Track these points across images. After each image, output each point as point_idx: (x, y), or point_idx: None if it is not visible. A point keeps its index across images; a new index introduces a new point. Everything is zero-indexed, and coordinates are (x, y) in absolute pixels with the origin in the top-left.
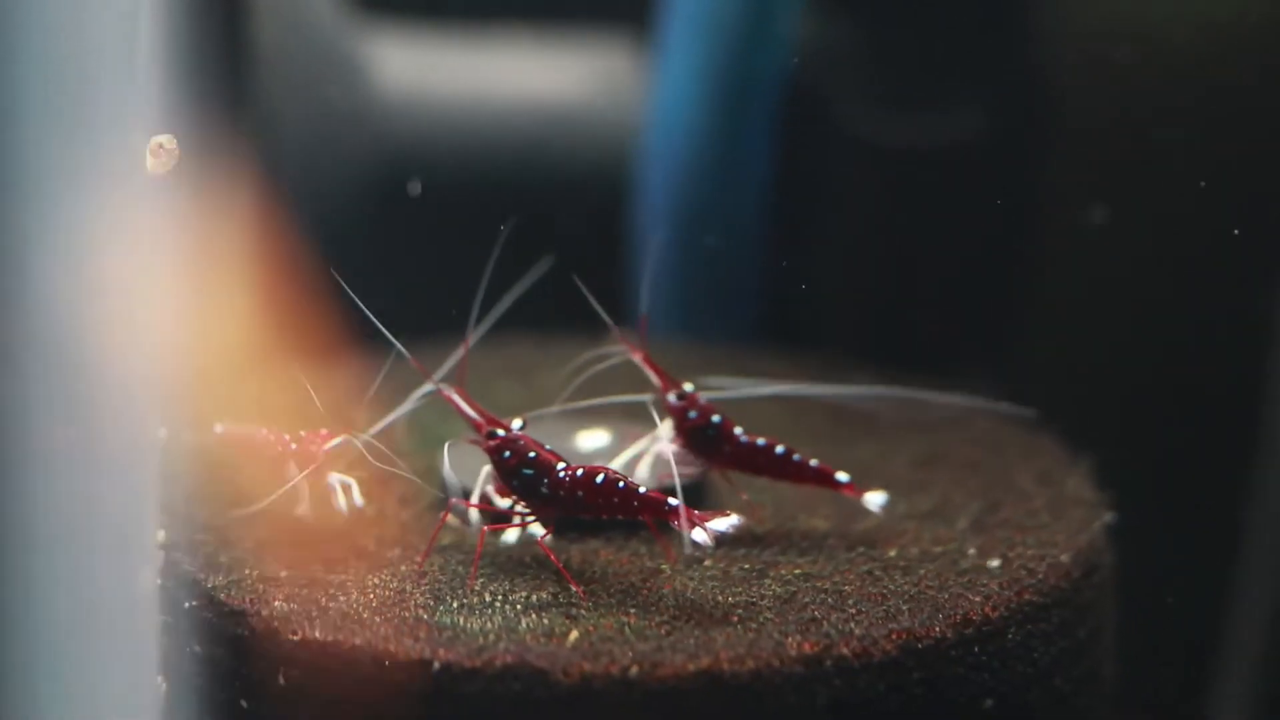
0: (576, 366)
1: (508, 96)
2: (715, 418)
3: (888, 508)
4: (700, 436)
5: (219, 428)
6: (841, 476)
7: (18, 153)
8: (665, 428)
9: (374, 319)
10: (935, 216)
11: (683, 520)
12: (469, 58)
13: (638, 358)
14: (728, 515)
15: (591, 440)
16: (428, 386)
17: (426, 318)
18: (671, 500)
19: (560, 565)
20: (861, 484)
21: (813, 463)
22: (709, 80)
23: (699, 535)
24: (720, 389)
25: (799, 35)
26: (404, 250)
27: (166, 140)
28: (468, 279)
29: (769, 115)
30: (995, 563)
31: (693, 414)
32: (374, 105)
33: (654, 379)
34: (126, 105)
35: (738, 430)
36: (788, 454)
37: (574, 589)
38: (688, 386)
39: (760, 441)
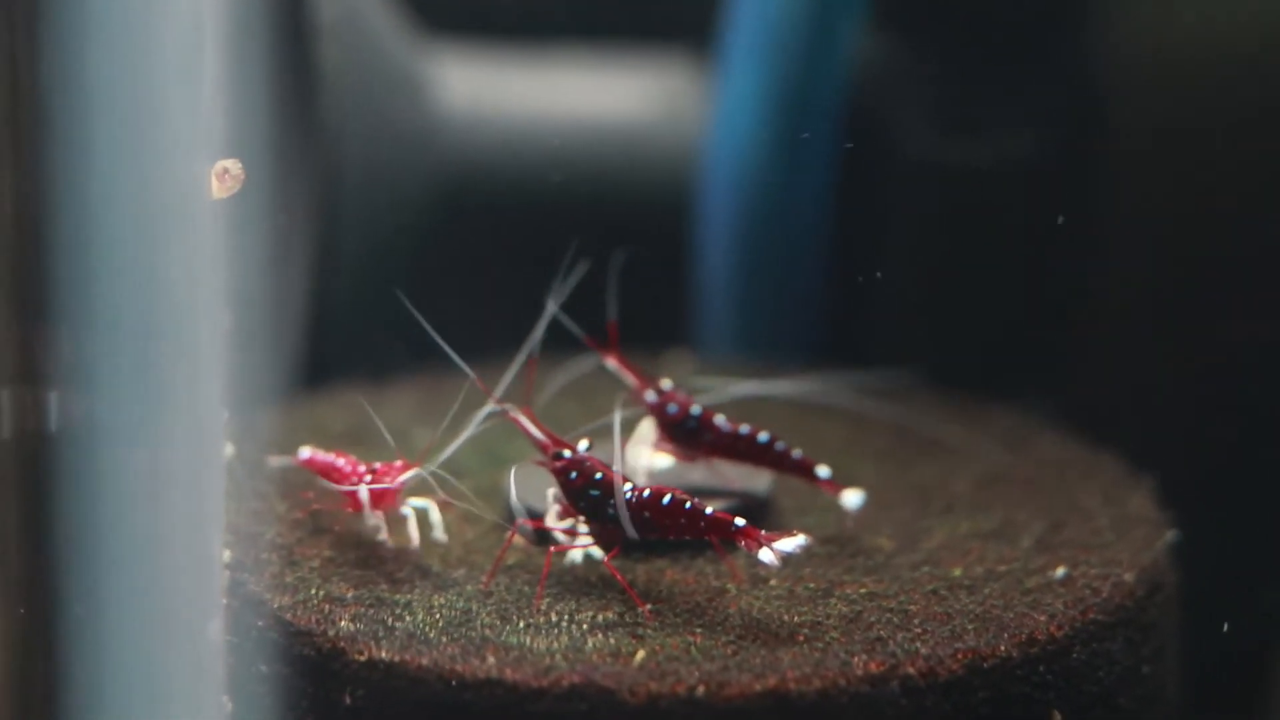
0: (557, 380)
1: (569, 116)
2: (695, 409)
3: (864, 505)
4: (681, 430)
5: (305, 452)
6: (822, 471)
7: (86, 179)
8: (645, 430)
9: (439, 339)
10: (994, 235)
11: (749, 540)
12: (530, 77)
13: (611, 361)
14: (794, 535)
15: (659, 461)
16: (493, 407)
17: (488, 337)
18: (739, 520)
19: (626, 585)
20: (841, 481)
21: (795, 454)
22: (770, 99)
23: (766, 555)
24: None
25: (859, 55)
26: (465, 270)
27: (231, 164)
28: (528, 298)
29: (829, 135)
30: (1060, 571)
31: (672, 408)
32: (436, 125)
33: (629, 380)
34: (191, 130)
35: (719, 419)
36: (770, 442)
37: (640, 609)
38: (665, 383)
39: (743, 429)
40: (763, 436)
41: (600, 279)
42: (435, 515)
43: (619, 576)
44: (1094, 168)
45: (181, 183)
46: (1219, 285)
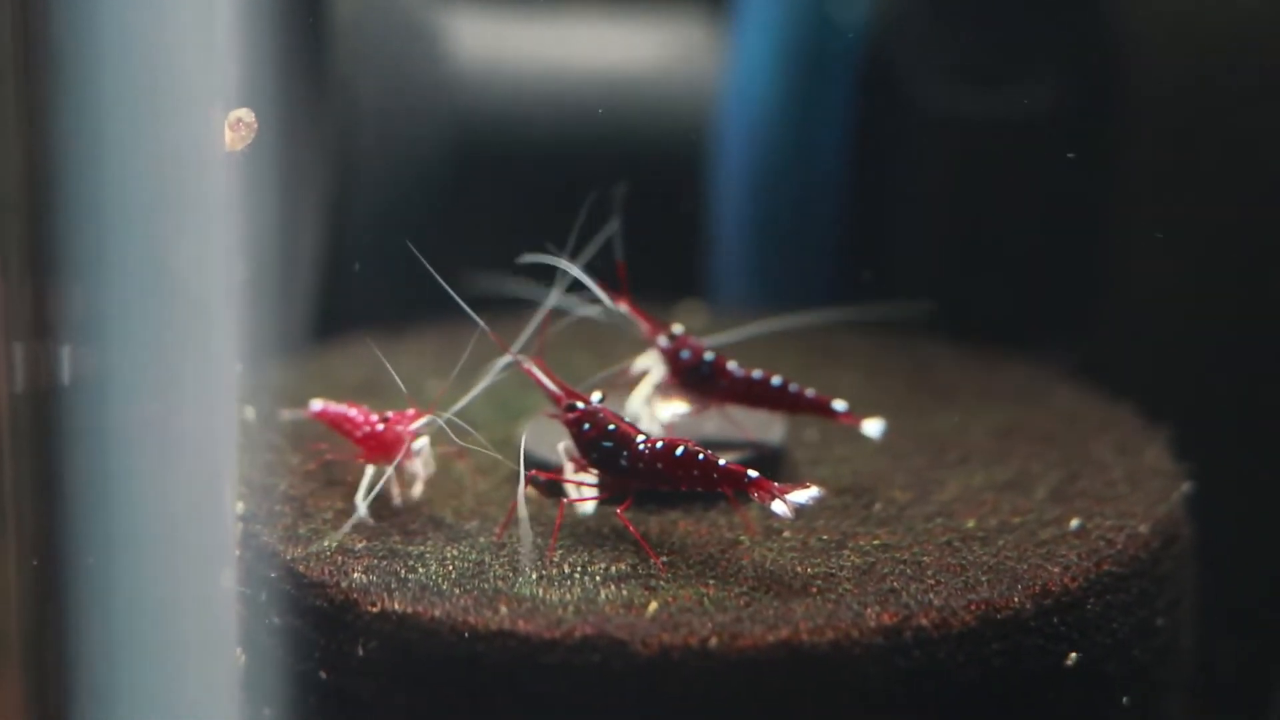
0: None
1: (584, 66)
2: (708, 355)
3: (879, 433)
4: (695, 375)
5: (316, 404)
6: (838, 405)
7: (99, 132)
8: (651, 374)
9: (451, 293)
10: (1011, 186)
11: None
12: (545, 28)
13: (623, 306)
14: (808, 487)
15: (669, 410)
16: (507, 359)
17: (502, 287)
18: (751, 472)
19: (640, 537)
20: (859, 412)
21: (809, 393)
22: (785, 50)
23: (779, 507)
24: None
25: (874, 6)
26: (479, 220)
27: (245, 114)
28: (542, 248)
29: (844, 85)
30: (1075, 522)
31: (685, 354)
32: (450, 76)
33: (642, 325)
34: (204, 81)
35: (731, 365)
36: (784, 385)
37: (654, 561)
38: (676, 328)
39: (756, 374)
40: (776, 380)
41: (614, 230)
42: (427, 450)
43: (632, 529)
44: (1113, 117)
45: (194, 135)
46: (1238, 237)
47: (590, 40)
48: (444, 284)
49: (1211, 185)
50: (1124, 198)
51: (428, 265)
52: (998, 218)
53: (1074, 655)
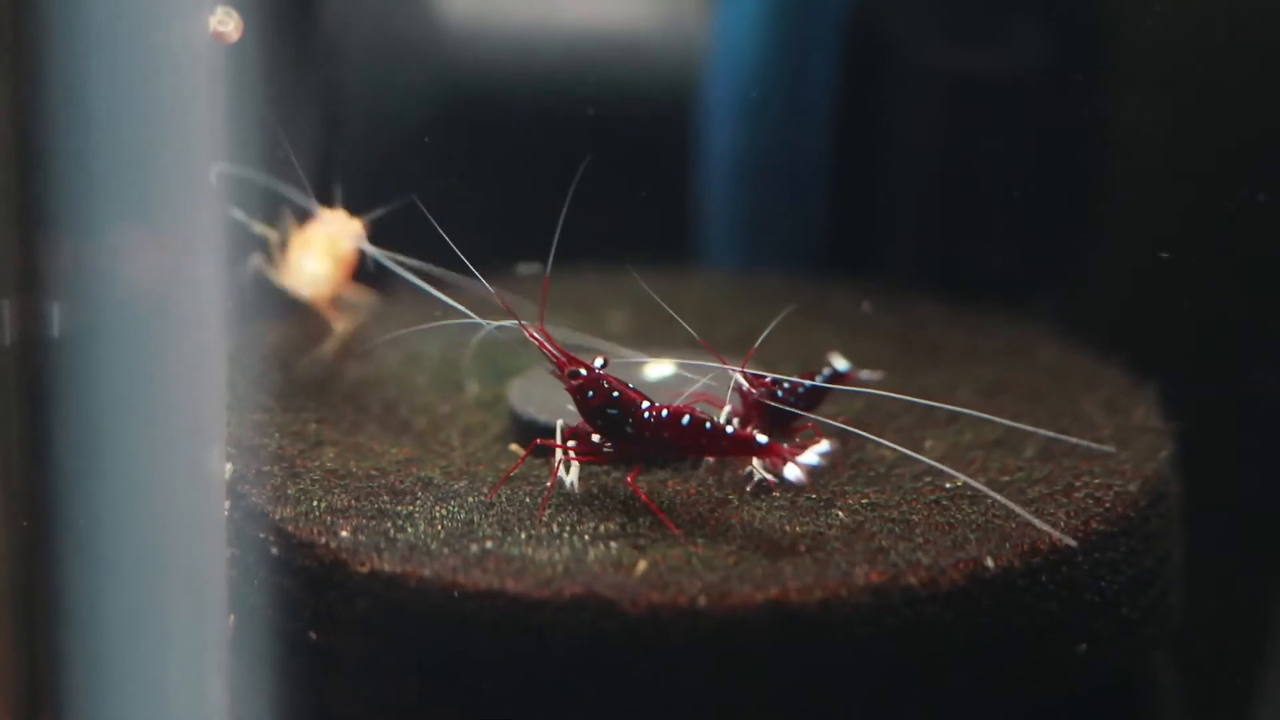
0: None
1: (573, 26)
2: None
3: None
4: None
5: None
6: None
7: (85, 83)
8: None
9: (457, 251)
10: (999, 145)
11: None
12: None
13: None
14: (817, 443)
15: (657, 370)
16: (511, 322)
17: (492, 247)
18: (761, 438)
19: (656, 507)
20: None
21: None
22: (772, 9)
23: (792, 472)
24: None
25: None
26: (469, 180)
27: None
28: (532, 208)
29: (833, 42)
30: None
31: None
32: (439, 34)
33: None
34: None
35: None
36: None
37: (671, 529)
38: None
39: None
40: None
41: (603, 190)
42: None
43: (644, 496)
44: (1100, 74)
45: (182, 88)
46: (1225, 190)
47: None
48: (453, 246)
49: (1199, 141)
50: (1112, 154)
51: (437, 224)
52: (985, 176)
53: (1084, 646)
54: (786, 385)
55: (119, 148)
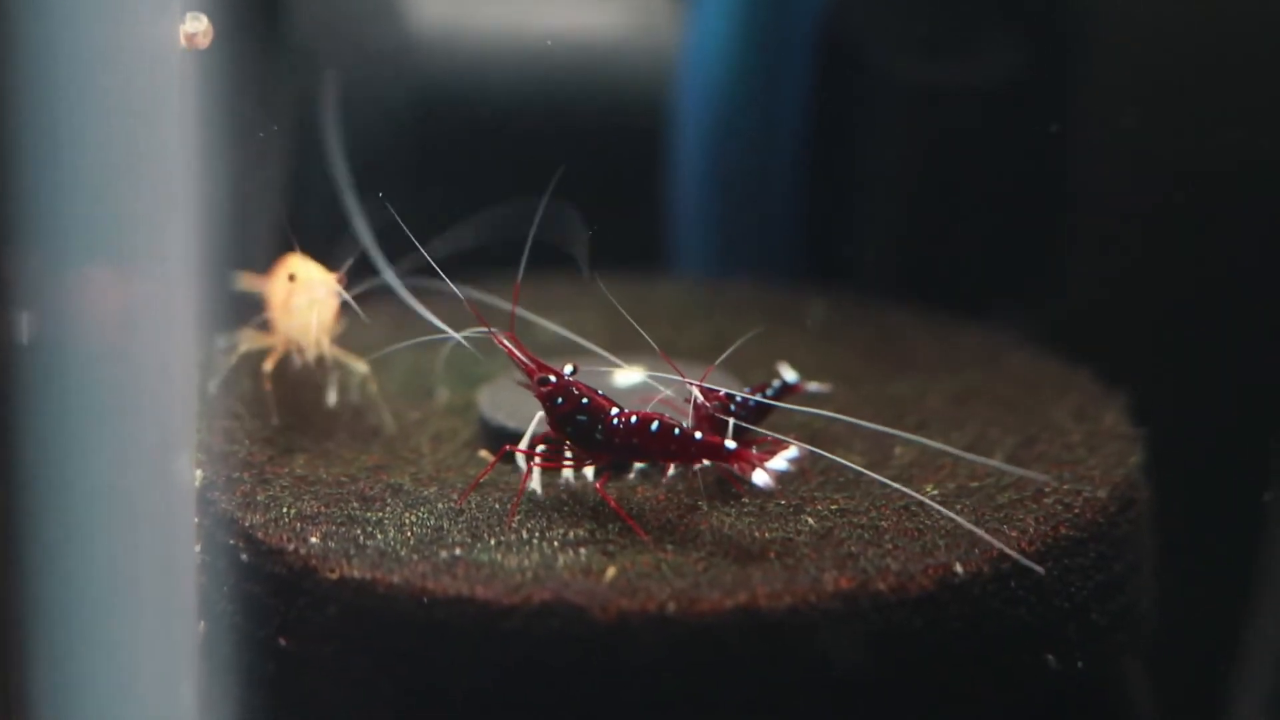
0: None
1: (544, 35)
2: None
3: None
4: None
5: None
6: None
7: (54, 92)
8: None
9: (432, 262)
10: (970, 154)
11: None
12: None
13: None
14: (786, 448)
15: (626, 378)
16: (481, 330)
17: (463, 255)
18: (729, 444)
19: (624, 514)
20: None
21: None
22: (745, 16)
23: (760, 478)
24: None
25: None
26: (440, 188)
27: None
28: (503, 217)
29: (805, 52)
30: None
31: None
32: (411, 43)
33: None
34: (164, 42)
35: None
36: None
37: (641, 536)
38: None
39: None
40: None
41: (574, 198)
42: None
43: (613, 503)
44: (1072, 87)
45: (152, 99)
46: (1196, 200)
47: (551, 7)
48: (424, 251)
49: (1170, 153)
50: (1081, 165)
51: (408, 231)
52: (955, 186)
53: (1051, 658)
54: (739, 399)
55: (88, 157)
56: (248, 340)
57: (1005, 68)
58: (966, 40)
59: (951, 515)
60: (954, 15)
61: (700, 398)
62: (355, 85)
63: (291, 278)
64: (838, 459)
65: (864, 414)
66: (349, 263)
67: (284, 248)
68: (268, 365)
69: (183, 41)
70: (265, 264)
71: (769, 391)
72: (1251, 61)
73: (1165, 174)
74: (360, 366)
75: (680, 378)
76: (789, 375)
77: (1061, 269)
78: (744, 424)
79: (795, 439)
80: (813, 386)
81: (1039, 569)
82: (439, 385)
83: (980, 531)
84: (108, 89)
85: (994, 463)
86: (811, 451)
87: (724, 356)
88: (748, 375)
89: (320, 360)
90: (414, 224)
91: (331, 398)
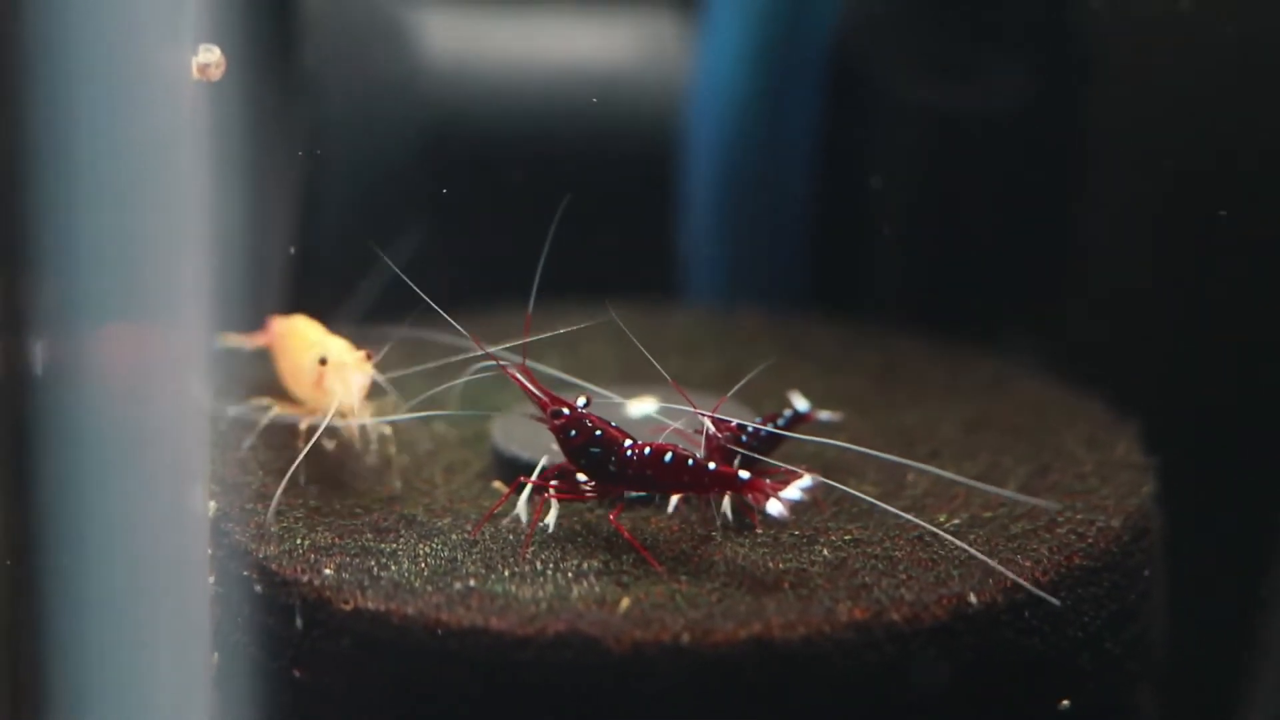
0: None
1: (553, 63)
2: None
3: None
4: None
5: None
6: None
7: (69, 121)
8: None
9: (426, 298)
10: (980, 180)
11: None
12: (514, 24)
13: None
14: (800, 476)
15: (640, 408)
16: (489, 363)
17: (473, 284)
18: (743, 474)
19: (639, 545)
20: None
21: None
22: (754, 45)
23: (774, 508)
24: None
25: (843, 1)
26: (449, 217)
27: (208, 54)
28: (513, 247)
29: (814, 80)
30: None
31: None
32: (419, 72)
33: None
34: (175, 71)
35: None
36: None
37: (655, 567)
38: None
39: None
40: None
41: (584, 227)
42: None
43: (627, 534)
44: (1081, 111)
45: (165, 127)
46: (1206, 227)
47: (560, 36)
48: (418, 290)
49: (1178, 178)
50: (1092, 191)
51: (405, 277)
52: (966, 211)
53: (1065, 703)
54: (750, 429)
55: (103, 186)
56: (279, 407)
57: (1015, 91)
58: (976, 64)
59: (965, 546)
60: (963, 40)
61: (712, 429)
62: (364, 115)
63: (323, 361)
64: (850, 490)
65: (875, 443)
66: (385, 348)
67: (288, 293)
68: (303, 426)
69: (195, 73)
70: (277, 302)
71: (780, 421)
72: (1261, 87)
73: (1176, 200)
74: (386, 430)
75: (692, 408)
76: (800, 404)
77: (1073, 296)
78: (755, 455)
79: (807, 469)
80: (824, 415)
81: (1054, 600)
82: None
83: (993, 562)
84: (122, 116)
85: (1007, 493)
86: (824, 482)
87: (736, 388)
88: (760, 405)
89: (358, 430)
90: (424, 252)
91: (369, 459)
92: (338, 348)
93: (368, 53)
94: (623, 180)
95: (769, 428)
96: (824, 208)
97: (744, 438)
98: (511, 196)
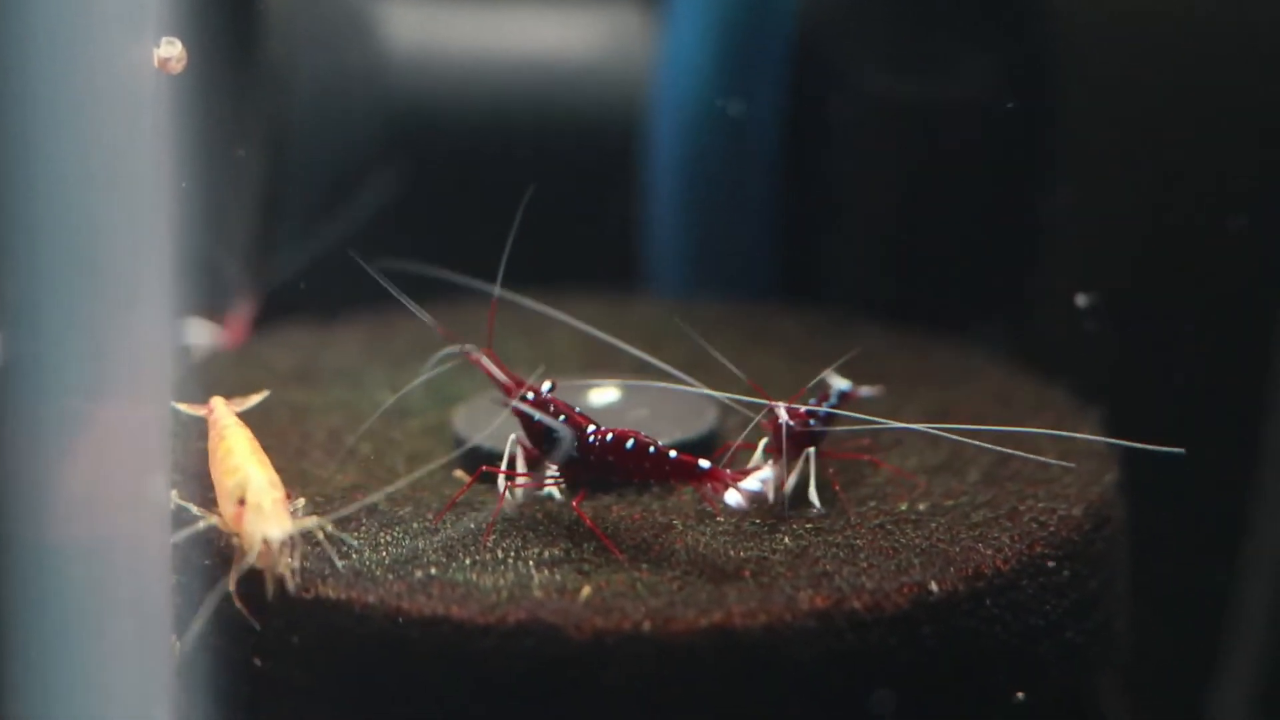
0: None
1: (517, 54)
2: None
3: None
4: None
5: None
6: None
7: (28, 117)
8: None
9: (389, 286)
10: (946, 170)
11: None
12: (478, 15)
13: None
14: (759, 469)
15: (601, 397)
16: (453, 349)
17: (438, 276)
18: (703, 463)
19: (599, 531)
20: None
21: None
22: (717, 34)
23: (733, 498)
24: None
25: None
26: (414, 208)
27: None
28: (477, 237)
29: (778, 71)
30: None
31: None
32: (383, 63)
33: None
34: (136, 67)
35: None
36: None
37: (618, 557)
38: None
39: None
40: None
41: (548, 217)
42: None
43: (589, 521)
44: (1047, 102)
45: (126, 124)
46: (1170, 218)
47: (525, 27)
48: (381, 279)
49: (1143, 170)
50: (1057, 183)
51: (365, 264)
52: (931, 204)
53: (1021, 695)
54: (823, 413)
55: (62, 177)
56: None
57: (983, 84)
58: (943, 56)
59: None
60: (931, 31)
61: (785, 417)
62: (328, 106)
63: (241, 501)
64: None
65: (838, 431)
66: (300, 504)
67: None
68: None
69: (156, 65)
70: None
71: (831, 401)
72: (1233, 83)
73: (1144, 193)
74: (311, 522)
75: (766, 401)
76: (841, 384)
77: (1037, 286)
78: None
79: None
80: (864, 391)
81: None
82: (415, 405)
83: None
84: (83, 116)
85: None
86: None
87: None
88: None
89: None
90: (387, 242)
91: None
92: (257, 485)
93: (332, 45)
94: (586, 171)
95: (824, 408)
96: (789, 198)
97: (812, 422)
98: (475, 187)
